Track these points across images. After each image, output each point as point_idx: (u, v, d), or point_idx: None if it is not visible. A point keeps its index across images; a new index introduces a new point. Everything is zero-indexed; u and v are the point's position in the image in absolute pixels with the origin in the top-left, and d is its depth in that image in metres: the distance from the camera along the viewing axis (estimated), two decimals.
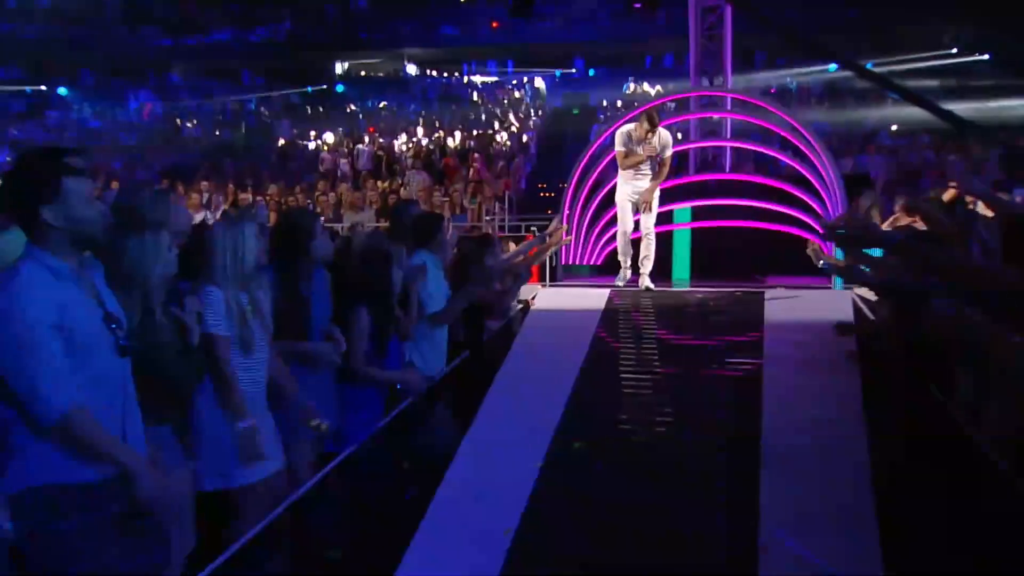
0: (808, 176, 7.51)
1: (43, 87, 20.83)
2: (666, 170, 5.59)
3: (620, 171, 5.60)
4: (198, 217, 5.56)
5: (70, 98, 20.55)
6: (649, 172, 5.53)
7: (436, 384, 3.59)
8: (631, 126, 5.50)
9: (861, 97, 15.22)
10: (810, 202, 7.31)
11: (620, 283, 5.68)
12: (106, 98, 19.86)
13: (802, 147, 7.73)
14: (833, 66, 17.01)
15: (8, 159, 14.94)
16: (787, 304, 5.02)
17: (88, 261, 1.87)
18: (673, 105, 10.84)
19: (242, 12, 22.64)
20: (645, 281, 5.60)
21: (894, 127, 13.62)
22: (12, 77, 20.78)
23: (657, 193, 5.60)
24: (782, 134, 7.97)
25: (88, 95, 20.19)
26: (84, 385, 1.75)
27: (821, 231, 5.69)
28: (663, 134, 5.49)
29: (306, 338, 2.86)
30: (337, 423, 2.89)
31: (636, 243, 5.73)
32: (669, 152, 5.48)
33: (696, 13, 9.97)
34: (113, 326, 1.83)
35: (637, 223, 5.70)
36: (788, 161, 7.88)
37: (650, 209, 5.54)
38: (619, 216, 5.71)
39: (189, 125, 18.02)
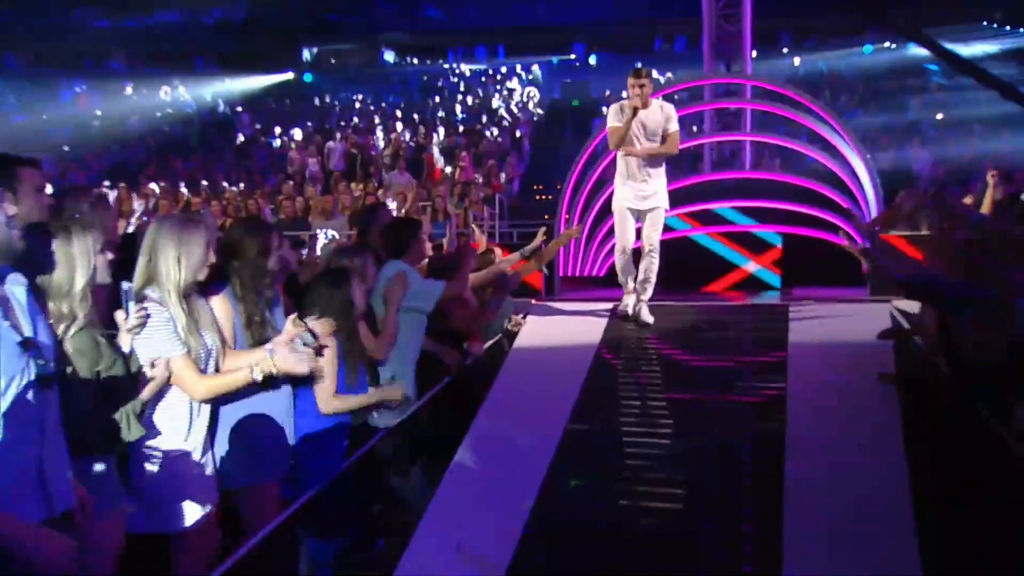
0: (841, 174, 7.57)
1: None
2: (675, 141, 5.07)
3: (617, 170, 5.14)
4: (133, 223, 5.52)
5: None
6: (651, 170, 5.03)
7: (409, 417, 3.57)
8: (626, 101, 5.04)
9: (900, 82, 15.38)
10: (843, 203, 7.36)
11: (628, 309, 5.19)
12: (34, 87, 19.71)
13: (833, 141, 7.81)
14: (868, 47, 17.22)
15: None
16: (816, 320, 5.03)
17: (12, 279, 1.85)
18: (686, 95, 10.95)
19: None
20: (643, 314, 5.08)
21: (939, 115, 13.75)
22: None
23: (663, 193, 5.09)
24: (810, 127, 8.04)
25: (13, 84, 19.95)
26: None
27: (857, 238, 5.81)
28: (665, 106, 5.07)
29: None
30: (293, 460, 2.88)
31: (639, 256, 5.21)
32: (675, 125, 5.03)
33: None
34: (33, 353, 1.80)
35: (640, 232, 5.16)
36: (817, 157, 7.94)
37: (654, 227, 5.03)
38: (617, 227, 5.15)
39: (133, 119, 18.03)
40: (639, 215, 5.10)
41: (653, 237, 5.06)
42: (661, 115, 4.99)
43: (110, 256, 2.27)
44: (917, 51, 17.14)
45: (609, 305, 5.57)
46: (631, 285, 5.18)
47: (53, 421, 1.88)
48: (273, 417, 2.77)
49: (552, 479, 2.95)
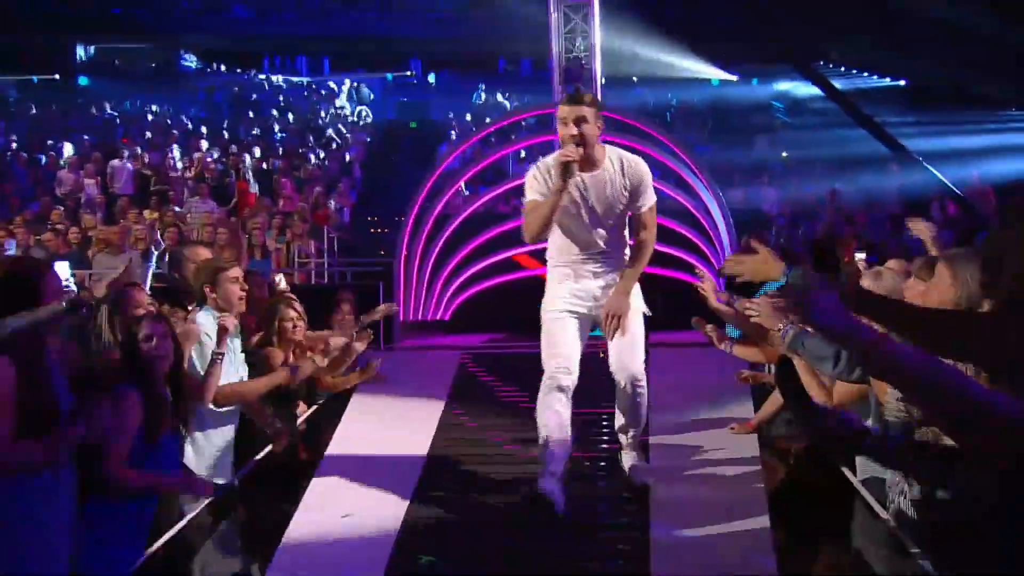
0: (694, 211, 8.29)
1: None
2: (648, 246, 3.68)
3: (550, 262, 3.71)
4: None
5: None
6: (605, 251, 3.60)
7: (227, 493, 3.48)
8: (553, 157, 3.50)
9: (747, 118, 17.11)
10: (697, 241, 8.06)
11: (551, 494, 3.29)
12: None
13: (685, 176, 8.55)
14: (716, 80, 19.04)
15: None
16: (671, 366, 5.43)
17: None
18: (533, 121, 11.52)
19: None
20: (638, 472, 3.68)
21: (784, 154, 15.44)
22: None
23: (637, 298, 3.68)
24: (662, 160, 8.74)
25: None
26: None
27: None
28: (631, 163, 3.57)
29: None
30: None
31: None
32: (648, 198, 3.61)
33: (558, 9, 10.71)
34: None
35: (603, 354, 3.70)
36: (670, 193, 8.62)
37: (625, 332, 3.55)
38: (545, 344, 3.57)
39: None
40: (585, 322, 3.62)
41: (630, 364, 3.57)
42: (620, 179, 3.51)
43: None
44: (762, 87, 19.23)
45: (456, 354, 5.69)
46: (558, 462, 3.40)
47: None
48: None
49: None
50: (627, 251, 3.70)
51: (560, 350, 3.49)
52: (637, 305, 3.64)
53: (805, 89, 18.45)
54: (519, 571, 2.98)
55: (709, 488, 3.64)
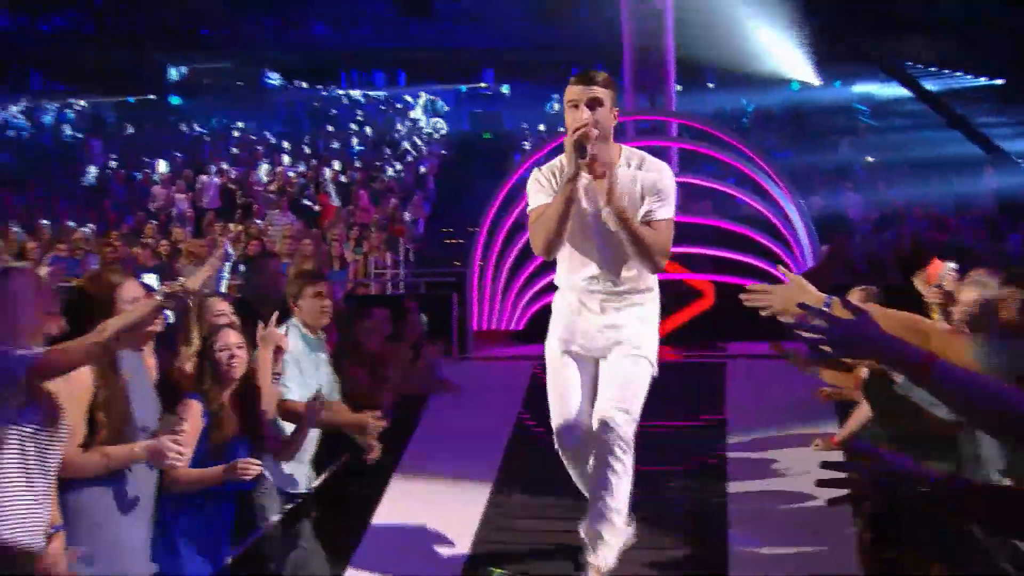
0: (773, 219, 8.06)
1: None
2: (663, 242, 2.90)
3: (557, 285, 3.16)
4: None
5: None
6: (615, 279, 2.99)
7: (303, 501, 3.54)
8: (559, 160, 2.99)
9: (829, 122, 16.60)
10: (776, 249, 7.83)
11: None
12: None
13: (763, 183, 8.33)
14: (795, 84, 18.56)
15: None
16: (751, 379, 5.28)
17: None
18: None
19: None
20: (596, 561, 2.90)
21: (869, 158, 14.90)
22: None
23: (640, 325, 3.06)
24: (739, 167, 8.54)
25: None
26: None
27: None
28: (648, 163, 2.95)
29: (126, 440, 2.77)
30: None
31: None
32: (666, 208, 2.92)
33: (632, 18, 10.59)
34: None
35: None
36: (748, 200, 8.42)
37: (619, 371, 2.98)
38: (552, 394, 3.08)
39: None
40: (591, 365, 3.08)
41: (607, 405, 2.91)
42: (635, 184, 2.89)
43: None
44: (844, 90, 18.63)
45: (529, 364, 5.66)
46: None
47: None
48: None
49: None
50: (646, 285, 3.04)
51: (566, 406, 2.99)
52: (637, 342, 2.98)
53: (891, 90, 17.79)
54: None
55: (791, 507, 3.50)
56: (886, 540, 3.19)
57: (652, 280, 3.08)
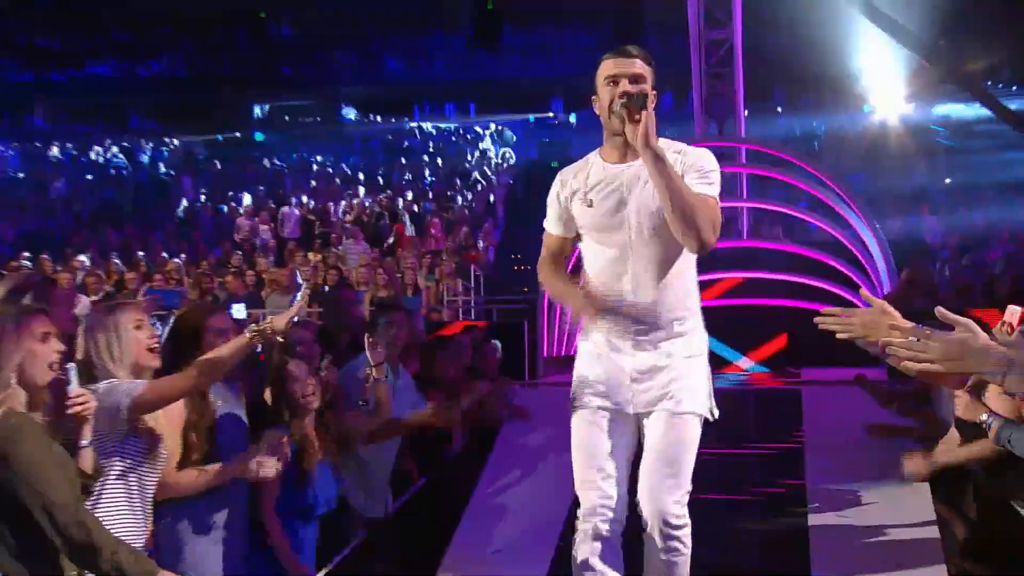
0: (848, 243, 7.86)
1: None
2: (700, 221, 2.32)
3: (584, 313, 2.49)
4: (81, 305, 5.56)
5: None
6: (649, 302, 2.44)
7: (380, 524, 3.60)
8: (585, 159, 2.60)
9: (904, 144, 16.12)
10: (850, 274, 7.63)
11: None
12: None
13: (836, 207, 8.14)
14: (868, 106, 18.10)
15: None
16: (827, 405, 5.14)
17: None
18: None
19: (128, 40, 22.83)
20: None
21: (948, 180, 14.39)
22: None
23: (688, 367, 2.48)
24: (811, 191, 8.38)
25: None
26: None
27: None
28: (685, 148, 2.47)
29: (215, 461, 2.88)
30: None
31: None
32: (706, 182, 2.42)
33: (700, 46, 10.55)
34: None
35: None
36: (820, 225, 8.23)
37: (666, 437, 2.43)
38: (578, 462, 2.49)
39: (58, 182, 18.12)
40: (627, 423, 2.49)
41: (661, 495, 2.38)
42: (676, 163, 2.38)
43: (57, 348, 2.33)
44: (921, 110, 18.05)
45: None
46: None
47: None
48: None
49: None
50: (686, 308, 2.48)
51: (598, 474, 2.40)
52: (686, 397, 2.41)
53: (970, 111, 17.18)
54: None
55: (876, 540, 3.38)
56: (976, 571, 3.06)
57: (694, 301, 2.52)
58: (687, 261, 2.48)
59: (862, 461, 4.21)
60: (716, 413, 2.48)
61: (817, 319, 1.95)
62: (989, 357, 1.55)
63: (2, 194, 17.31)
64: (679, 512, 2.38)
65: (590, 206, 2.47)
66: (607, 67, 2.46)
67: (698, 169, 2.41)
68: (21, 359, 2.24)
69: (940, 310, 1.64)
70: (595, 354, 2.50)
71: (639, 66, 2.44)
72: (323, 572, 3.23)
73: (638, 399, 2.44)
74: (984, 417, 2.66)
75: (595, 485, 2.41)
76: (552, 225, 2.60)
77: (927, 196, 13.45)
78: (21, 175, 18.80)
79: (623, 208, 2.42)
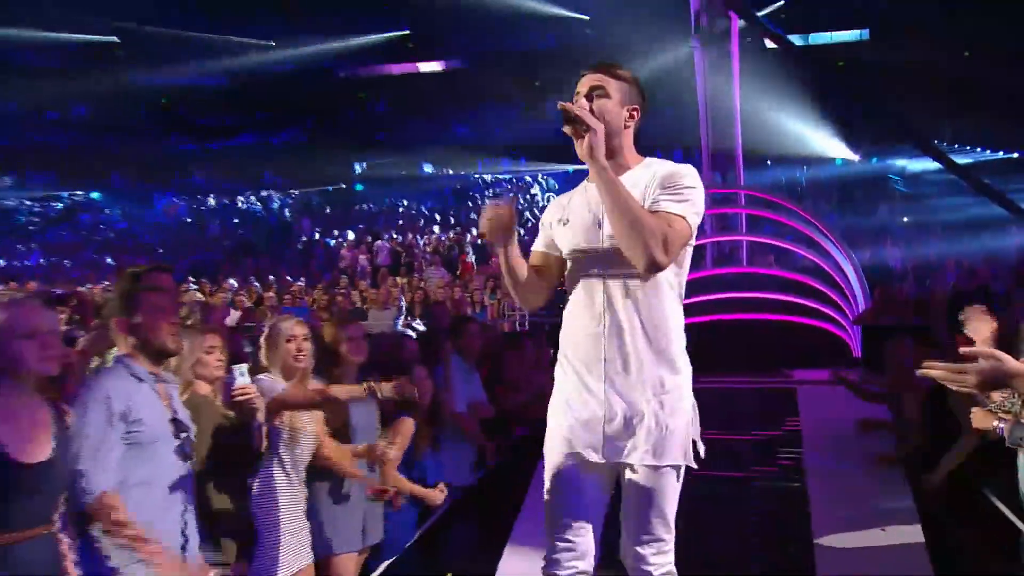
0: (828, 269, 7.67)
1: (79, 192, 22.22)
2: (648, 237, 1.75)
3: (562, 345, 1.96)
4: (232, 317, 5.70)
5: (101, 201, 21.77)
6: (621, 328, 1.83)
7: (459, 499, 3.50)
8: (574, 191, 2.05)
9: (869, 190, 15.69)
10: (830, 294, 7.42)
11: None
12: (134, 200, 21.01)
13: (818, 240, 7.95)
14: (839, 160, 17.68)
15: (42, 261, 15.54)
16: (820, 402, 4.97)
17: (170, 377, 2.16)
18: None
19: (265, 118, 24.11)
20: None
21: (904, 219, 13.95)
22: (48, 182, 22.16)
23: (669, 447, 1.85)
24: (796, 227, 8.20)
25: (118, 198, 21.39)
26: (143, 479, 1.93)
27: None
28: (659, 164, 1.95)
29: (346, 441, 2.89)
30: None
31: None
32: (671, 200, 1.84)
33: (707, 114, 10.53)
34: (184, 434, 2.06)
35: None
36: (806, 254, 8.07)
37: (640, 491, 1.86)
38: (548, 505, 1.90)
39: (213, 224, 18.83)
40: (600, 471, 1.90)
41: (642, 550, 1.88)
42: (650, 175, 1.90)
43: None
44: (881, 163, 17.59)
45: None
46: None
47: (191, 493, 2.04)
48: (348, 492, 2.79)
49: None
50: (666, 346, 1.83)
51: (566, 518, 1.84)
52: (669, 455, 1.83)
53: (920, 164, 16.67)
54: None
55: (870, 534, 3.18)
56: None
57: (673, 324, 1.85)
58: (668, 286, 1.85)
59: (851, 440, 4.06)
60: (702, 452, 1.87)
61: (927, 364, 1.45)
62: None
63: (174, 235, 18.00)
64: (660, 562, 1.85)
65: (565, 224, 1.93)
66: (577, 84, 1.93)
67: (670, 185, 1.83)
68: (193, 363, 2.47)
69: (964, 349, 1.46)
70: (566, 391, 1.89)
71: (595, 78, 1.89)
72: (419, 532, 3.19)
73: (612, 447, 1.82)
74: (995, 424, 2.50)
75: (561, 524, 1.84)
76: (536, 244, 2.05)
77: (889, 231, 13.05)
78: (188, 220, 19.57)
79: (598, 229, 1.86)
